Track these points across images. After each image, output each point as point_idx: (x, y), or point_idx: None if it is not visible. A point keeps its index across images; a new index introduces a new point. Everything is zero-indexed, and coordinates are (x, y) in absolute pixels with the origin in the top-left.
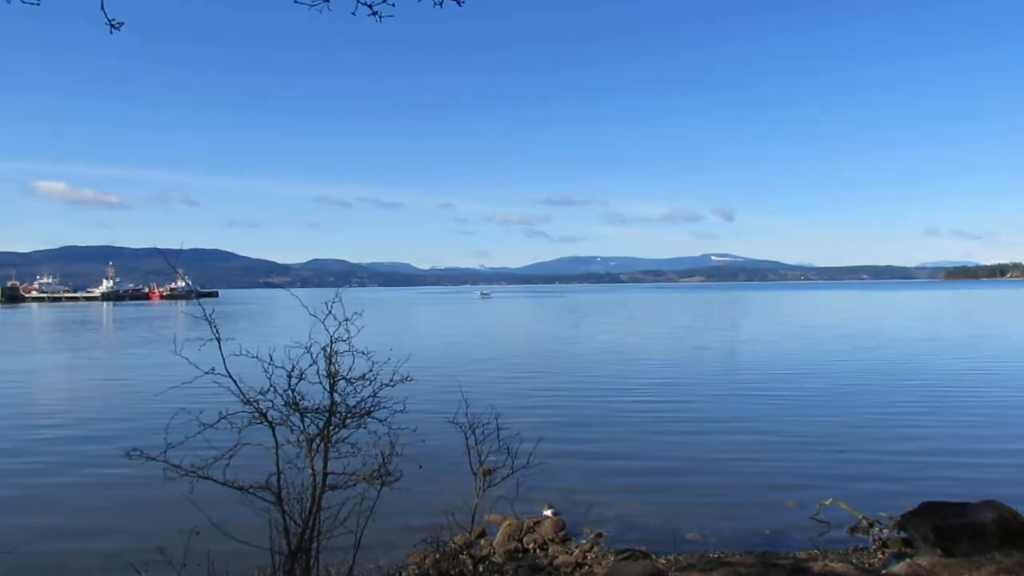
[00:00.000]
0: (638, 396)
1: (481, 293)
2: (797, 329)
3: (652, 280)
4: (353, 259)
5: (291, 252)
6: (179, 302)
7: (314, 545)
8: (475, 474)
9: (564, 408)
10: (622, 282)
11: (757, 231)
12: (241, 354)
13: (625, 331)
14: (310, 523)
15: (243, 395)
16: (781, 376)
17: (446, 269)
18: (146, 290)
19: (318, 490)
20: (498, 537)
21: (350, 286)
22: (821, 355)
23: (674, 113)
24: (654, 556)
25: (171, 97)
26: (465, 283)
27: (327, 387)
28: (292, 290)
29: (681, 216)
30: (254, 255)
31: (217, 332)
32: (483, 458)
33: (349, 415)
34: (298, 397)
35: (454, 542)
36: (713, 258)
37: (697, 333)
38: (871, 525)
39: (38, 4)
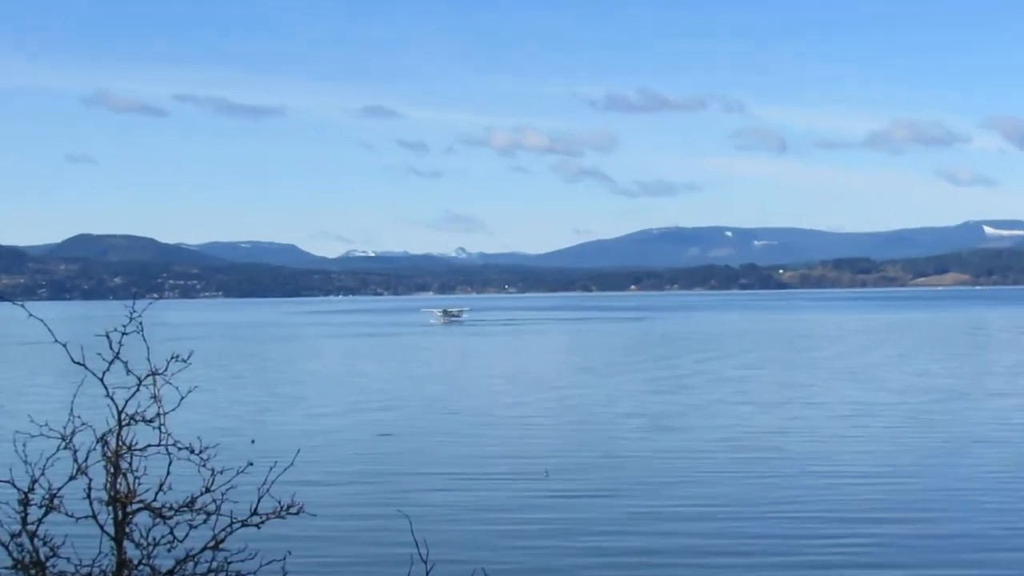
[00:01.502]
0: (825, 542)
1: (444, 312)
2: None
3: (850, 281)
4: (168, 236)
5: (28, 222)
6: None
7: None
8: None
9: None
10: (781, 285)
11: None
12: None
13: (796, 397)
14: None
15: None
16: None
17: (379, 257)
18: None
19: None
20: None
21: (161, 296)
22: None
23: None
24: None
25: None
26: (424, 289)
27: (109, 526)
28: (28, 304)
29: (913, 136)
30: None
31: None
32: None
33: None
34: (47, 549)
35: None
36: (988, 230)
37: (980, 404)
38: None
39: None
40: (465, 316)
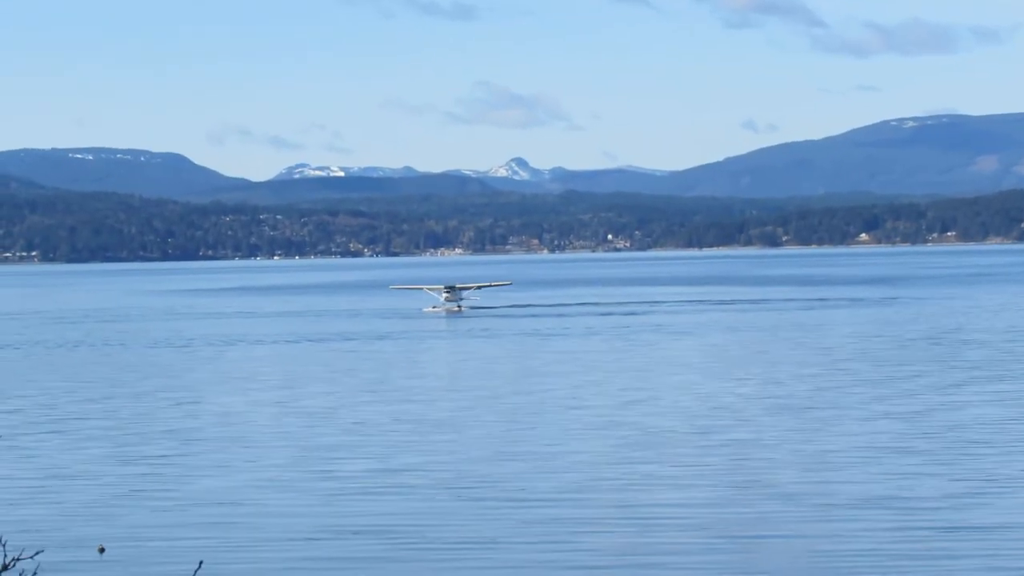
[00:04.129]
0: None
1: (448, 291)
2: None
3: None
4: None
5: None
6: None
7: None
8: None
9: None
10: None
11: None
12: None
13: None
14: None
15: None
16: None
17: (354, 179)
18: None
19: None
20: None
21: None
22: None
23: None
24: None
25: None
26: (445, 243)
27: None
28: None
29: None
30: None
31: None
32: None
33: None
34: None
35: None
36: None
37: None
38: None
39: None
40: (475, 298)
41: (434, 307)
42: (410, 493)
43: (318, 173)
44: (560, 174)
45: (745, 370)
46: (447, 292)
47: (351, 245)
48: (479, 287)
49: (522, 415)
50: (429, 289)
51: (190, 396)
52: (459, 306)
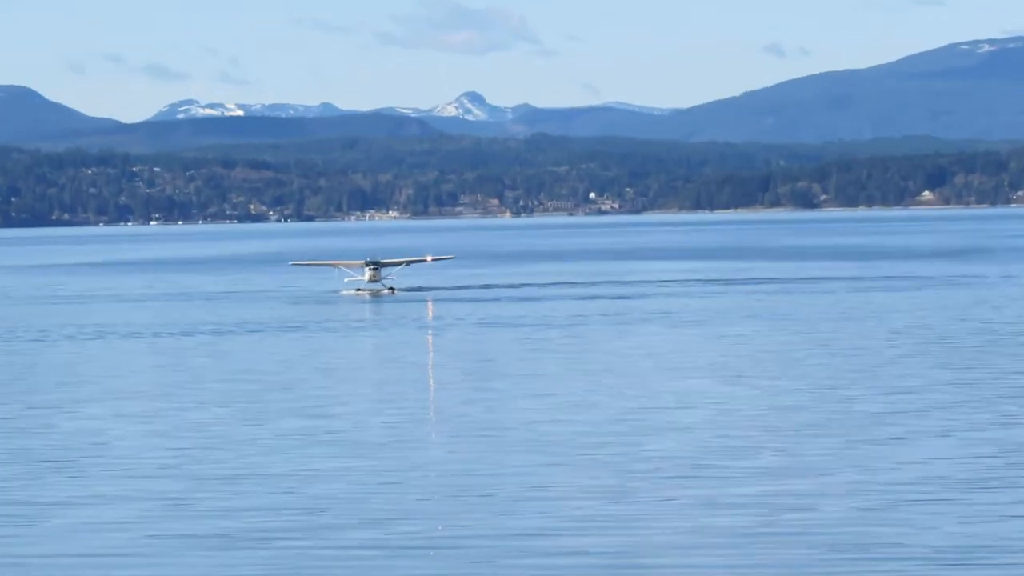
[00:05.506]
0: None
1: (372, 269)
2: None
3: None
4: None
5: None
6: None
7: None
8: None
9: None
10: None
11: None
12: None
13: None
14: None
15: None
16: None
17: (257, 118)
18: None
19: None
20: None
21: None
22: None
23: None
24: None
25: None
26: (376, 204)
27: None
28: None
29: None
30: None
31: None
32: None
33: None
34: None
35: None
36: None
37: None
38: None
39: None
40: (392, 276)
41: (358, 289)
42: (327, 539)
43: (209, 112)
44: (526, 113)
45: (775, 374)
46: (371, 269)
47: (252, 207)
48: (408, 262)
49: (476, 435)
50: (344, 265)
51: (43, 406)
52: (391, 288)
